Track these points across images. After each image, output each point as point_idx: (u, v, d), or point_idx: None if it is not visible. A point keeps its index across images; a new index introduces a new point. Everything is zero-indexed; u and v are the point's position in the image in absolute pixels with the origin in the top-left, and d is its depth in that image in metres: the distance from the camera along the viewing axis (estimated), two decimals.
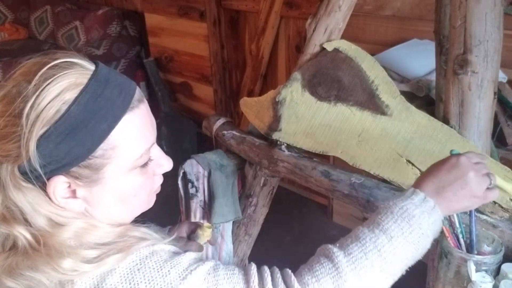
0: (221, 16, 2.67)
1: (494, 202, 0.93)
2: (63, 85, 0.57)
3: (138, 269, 0.60)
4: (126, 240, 0.63)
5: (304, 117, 1.14)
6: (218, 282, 0.63)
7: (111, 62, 3.10)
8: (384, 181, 1.05)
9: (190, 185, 1.30)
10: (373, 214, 0.73)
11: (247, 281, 0.65)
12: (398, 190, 1.01)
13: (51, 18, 3.48)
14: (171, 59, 3.09)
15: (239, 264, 1.38)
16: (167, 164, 0.70)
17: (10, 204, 0.59)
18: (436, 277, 0.88)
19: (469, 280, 0.79)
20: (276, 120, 1.17)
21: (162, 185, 0.73)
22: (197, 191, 1.31)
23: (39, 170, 0.57)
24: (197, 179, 1.31)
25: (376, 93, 1.09)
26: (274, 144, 1.21)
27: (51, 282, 0.58)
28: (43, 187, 0.60)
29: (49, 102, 0.56)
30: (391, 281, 0.69)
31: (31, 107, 0.56)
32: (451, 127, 1.01)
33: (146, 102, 0.65)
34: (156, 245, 0.64)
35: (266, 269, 0.68)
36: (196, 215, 1.29)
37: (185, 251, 0.67)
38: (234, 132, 1.33)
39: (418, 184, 0.74)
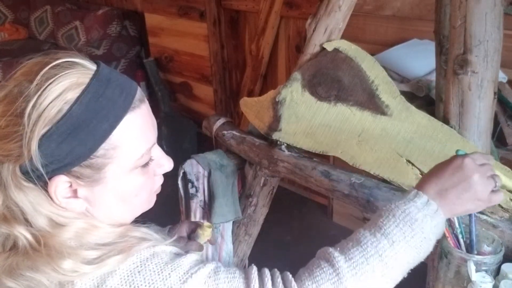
0: (221, 16, 2.67)
1: None
2: (65, 84, 0.57)
3: (139, 272, 0.60)
4: (126, 240, 0.63)
5: (304, 117, 1.14)
6: (219, 286, 0.63)
7: (111, 62, 3.10)
8: (384, 181, 1.05)
9: (190, 185, 1.30)
10: (374, 216, 0.72)
11: (247, 284, 0.65)
12: (398, 190, 1.01)
13: (51, 18, 3.48)
14: (171, 59, 3.09)
15: (239, 264, 1.38)
16: (167, 164, 0.70)
17: (11, 204, 0.59)
18: (436, 277, 0.88)
19: (469, 280, 0.79)
20: (276, 120, 1.17)
21: (162, 185, 0.73)
22: (197, 191, 1.31)
23: (41, 169, 0.57)
24: (197, 179, 1.31)
25: (376, 93, 1.09)
26: (274, 144, 1.21)
27: (51, 282, 0.58)
28: (45, 186, 0.60)
29: (51, 102, 0.56)
30: (392, 285, 0.69)
31: (33, 106, 0.56)
32: (451, 127, 1.01)
33: (147, 102, 0.65)
34: (157, 246, 0.64)
35: (266, 272, 0.68)
36: (196, 215, 1.29)
37: (186, 252, 0.67)
38: (234, 132, 1.33)
39: (421, 185, 0.72)
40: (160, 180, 0.72)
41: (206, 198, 1.32)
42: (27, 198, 0.59)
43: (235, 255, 1.35)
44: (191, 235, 1.02)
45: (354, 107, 1.10)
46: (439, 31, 1.16)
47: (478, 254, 0.82)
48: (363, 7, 1.91)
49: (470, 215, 0.81)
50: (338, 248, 0.69)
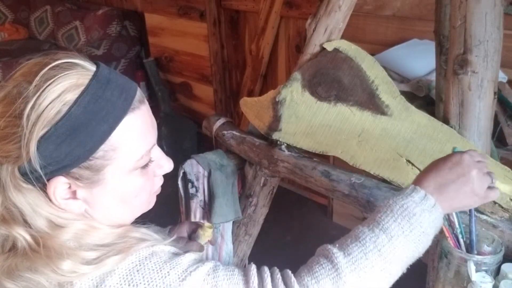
0: (221, 16, 2.67)
1: (494, 202, 0.93)
2: (64, 85, 0.57)
3: (138, 270, 0.60)
4: (126, 241, 0.63)
5: (304, 117, 1.14)
6: (218, 283, 0.63)
7: (111, 62, 3.10)
8: (384, 181, 1.05)
9: (190, 185, 1.30)
10: (373, 212, 0.72)
11: (246, 281, 0.65)
12: (398, 190, 1.01)
13: (51, 18, 3.48)
14: (171, 59, 3.09)
15: (239, 264, 1.38)
16: (167, 165, 0.70)
17: (9, 205, 0.59)
18: (436, 277, 0.88)
19: (469, 280, 0.79)
20: (276, 120, 1.17)
21: (162, 185, 0.73)
22: (197, 191, 1.31)
23: (40, 171, 0.57)
24: (197, 179, 1.31)
25: (376, 93, 1.09)
26: (274, 144, 1.21)
27: (50, 283, 0.58)
28: (43, 188, 0.59)
29: (50, 103, 0.56)
30: (392, 280, 0.69)
31: (32, 107, 0.55)
32: (451, 127, 1.01)
33: (147, 103, 0.65)
34: (156, 246, 0.64)
35: (266, 269, 0.68)
36: (196, 215, 1.29)
37: (186, 252, 0.67)
38: (234, 132, 1.33)
39: (419, 181, 0.73)
40: (160, 181, 0.72)
41: (206, 198, 1.32)
42: (26, 199, 0.59)
43: (235, 255, 1.35)
44: (192, 236, 1.02)
45: (354, 107, 1.10)
46: (439, 31, 1.16)
47: (478, 254, 0.82)
48: (363, 7, 1.91)
49: (470, 215, 0.81)
50: (337, 245, 0.69)
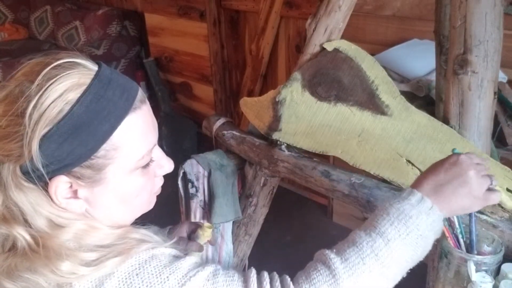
0: (221, 16, 2.67)
1: None
2: (66, 85, 0.57)
3: (137, 274, 0.60)
4: (126, 242, 0.63)
5: (304, 117, 1.14)
6: None
7: (111, 62, 3.10)
8: (384, 181, 1.05)
9: (190, 185, 1.30)
10: (370, 216, 0.72)
11: (246, 287, 0.65)
12: (398, 190, 1.01)
13: (51, 18, 3.48)
14: (171, 59, 3.09)
15: (239, 264, 1.38)
16: (168, 165, 0.70)
17: (10, 204, 0.59)
18: (436, 277, 0.88)
19: (469, 280, 0.79)
20: (276, 120, 1.17)
21: (162, 185, 0.73)
22: (197, 191, 1.31)
23: (41, 169, 0.57)
24: (197, 179, 1.31)
25: (376, 93, 1.09)
26: (274, 144, 1.21)
27: (49, 284, 0.58)
28: (45, 187, 0.60)
29: (52, 102, 0.56)
30: (391, 285, 0.69)
31: (34, 106, 0.56)
32: (451, 127, 1.01)
33: (148, 103, 0.65)
34: (156, 248, 0.64)
35: (265, 275, 0.68)
36: (196, 215, 1.29)
37: (186, 255, 0.67)
38: (234, 132, 1.33)
39: (416, 183, 0.73)
40: (160, 181, 0.72)
41: (206, 198, 1.32)
42: (27, 198, 0.59)
43: (235, 255, 1.35)
44: (191, 236, 1.02)
45: (354, 107, 1.10)
46: (439, 31, 1.16)
47: (478, 254, 0.82)
48: (363, 7, 1.91)
49: (470, 215, 0.81)
50: (335, 250, 0.69)
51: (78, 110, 0.57)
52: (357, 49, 1.14)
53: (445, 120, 1.03)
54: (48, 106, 0.56)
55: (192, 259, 0.66)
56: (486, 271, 0.80)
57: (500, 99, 1.25)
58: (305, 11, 2.19)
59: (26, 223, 0.59)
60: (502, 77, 1.38)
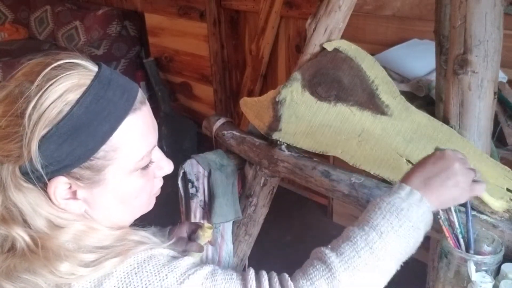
0: (221, 16, 2.67)
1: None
2: (66, 85, 0.57)
3: (136, 273, 0.60)
4: (124, 244, 0.63)
5: (304, 117, 1.14)
6: (216, 287, 0.63)
7: (111, 62, 3.10)
8: (384, 181, 1.05)
9: (190, 185, 1.30)
10: (362, 213, 0.73)
11: (245, 286, 0.65)
12: None
13: (51, 18, 3.48)
14: (171, 59, 3.09)
15: (239, 264, 1.38)
16: (167, 166, 0.70)
17: (9, 205, 0.59)
18: (436, 277, 0.88)
19: (469, 280, 0.79)
20: (276, 120, 1.17)
21: (162, 185, 0.73)
22: (197, 191, 1.31)
23: (41, 170, 0.57)
24: (197, 179, 1.31)
25: (376, 93, 1.09)
26: (274, 144, 1.21)
27: (48, 285, 0.58)
28: (44, 188, 0.59)
29: (51, 103, 0.56)
30: (386, 277, 0.70)
31: (34, 107, 0.56)
32: (451, 127, 1.01)
33: (148, 104, 0.65)
34: (155, 249, 0.64)
35: (264, 273, 0.68)
36: (196, 215, 1.29)
37: (184, 255, 0.67)
38: (234, 132, 1.33)
39: (405, 178, 0.75)
40: (160, 182, 0.72)
41: (206, 198, 1.32)
42: (26, 199, 0.58)
43: (235, 255, 1.35)
44: (192, 236, 1.02)
45: (354, 107, 1.10)
46: (439, 31, 1.16)
47: (478, 254, 0.82)
48: (363, 7, 1.91)
49: (466, 214, 0.82)
50: (330, 246, 0.70)
51: (78, 111, 0.57)
52: (357, 49, 1.14)
53: (445, 120, 1.03)
54: (48, 106, 0.56)
55: (190, 259, 0.66)
56: (486, 271, 0.80)
57: (500, 99, 1.25)
58: (305, 11, 2.19)
59: (25, 223, 0.59)
60: (502, 77, 1.38)
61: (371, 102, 1.09)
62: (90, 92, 0.58)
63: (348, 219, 2.27)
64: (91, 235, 0.62)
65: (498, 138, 1.25)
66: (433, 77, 1.24)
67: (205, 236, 1.02)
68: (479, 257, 0.80)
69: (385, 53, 1.59)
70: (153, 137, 0.66)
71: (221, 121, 1.39)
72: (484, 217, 0.93)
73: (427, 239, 0.73)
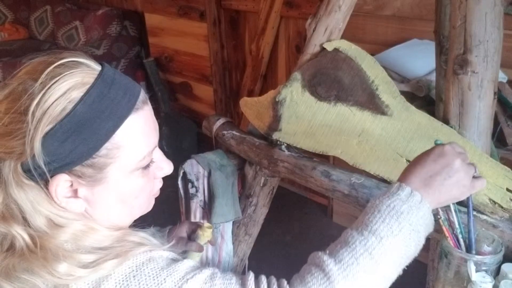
0: (221, 16, 2.67)
1: (494, 202, 0.93)
2: (70, 83, 0.57)
3: (134, 276, 0.60)
4: (123, 245, 0.63)
5: (304, 117, 1.14)
6: None
7: (111, 62, 3.10)
8: (384, 181, 1.05)
9: (190, 185, 1.30)
10: (361, 214, 0.71)
11: None
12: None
13: (51, 18, 3.48)
14: (171, 59, 3.09)
15: (239, 264, 1.38)
16: (167, 167, 0.70)
17: (10, 203, 0.59)
18: (436, 277, 0.88)
19: (469, 280, 0.79)
20: (276, 120, 1.17)
21: (162, 185, 0.73)
22: (197, 191, 1.31)
23: (43, 167, 0.57)
24: (197, 179, 1.31)
25: (376, 93, 1.09)
26: (274, 144, 1.21)
27: (46, 286, 0.58)
28: (45, 185, 0.60)
29: (55, 100, 0.56)
30: (387, 283, 0.68)
31: (37, 104, 0.56)
32: (451, 127, 1.01)
33: (149, 104, 0.66)
34: (154, 251, 0.63)
35: (263, 278, 0.68)
36: (196, 215, 1.29)
37: (184, 258, 0.67)
38: (234, 132, 1.33)
39: (404, 176, 0.72)
40: (160, 183, 0.72)
41: (206, 198, 1.32)
42: (27, 196, 0.59)
43: (235, 255, 1.35)
44: (192, 236, 1.02)
45: (354, 107, 1.10)
46: (439, 31, 1.16)
47: (478, 254, 0.82)
48: (363, 7, 1.91)
49: (468, 214, 0.82)
50: (328, 251, 0.68)
51: (81, 108, 0.57)
52: (357, 49, 1.14)
53: (445, 120, 1.03)
54: (52, 104, 0.56)
55: (190, 262, 0.65)
56: (486, 271, 0.80)
57: (500, 99, 1.25)
58: (305, 11, 2.19)
59: (25, 221, 0.59)
60: (502, 77, 1.38)
61: (371, 102, 1.09)
62: (93, 90, 0.58)
63: (348, 219, 2.27)
64: (90, 235, 0.62)
65: (498, 138, 1.25)
66: (433, 77, 1.24)
67: (204, 236, 1.02)
68: (479, 257, 0.80)
69: (385, 53, 1.59)
70: (154, 137, 0.66)
71: (221, 121, 1.39)
72: (484, 217, 0.93)
73: (427, 239, 0.72)
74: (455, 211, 0.83)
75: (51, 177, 0.59)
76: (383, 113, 1.08)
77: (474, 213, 0.91)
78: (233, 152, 1.35)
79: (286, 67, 2.47)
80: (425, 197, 0.69)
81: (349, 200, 1.06)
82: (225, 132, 1.35)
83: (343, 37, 1.18)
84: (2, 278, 0.58)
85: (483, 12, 0.92)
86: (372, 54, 1.18)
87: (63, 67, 0.58)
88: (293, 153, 1.18)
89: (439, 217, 0.83)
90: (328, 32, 1.16)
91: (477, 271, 0.79)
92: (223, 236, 1.29)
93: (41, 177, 0.58)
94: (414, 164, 0.73)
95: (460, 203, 0.91)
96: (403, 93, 1.11)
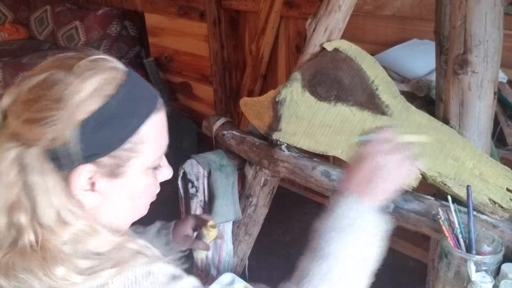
0: (221, 16, 2.67)
1: (494, 202, 0.93)
2: (104, 77, 0.60)
3: None
4: (122, 253, 0.62)
5: (304, 117, 1.14)
6: None
7: None
8: None
9: (190, 185, 1.31)
10: (313, 239, 0.75)
11: None
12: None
13: (51, 18, 3.48)
14: (171, 59, 3.09)
15: (239, 264, 1.38)
16: (168, 172, 0.72)
17: (24, 193, 0.58)
18: (436, 277, 0.88)
19: (469, 280, 0.79)
20: (276, 120, 1.17)
21: (162, 185, 0.73)
22: (197, 191, 1.31)
23: (73, 155, 0.58)
24: (197, 179, 1.31)
25: (376, 93, 1.09)
26: (274, 144, 1.21)
27: None
28: (66, 176, 0.60)
29: (91, 91, 0.58)
30: (363, 283, 0.71)
31: (73, 93, 0.58)
32: (451, 127, 1.01)
33: (164, 108, 0.69)
34: (154, 264, 0.62)
35: None
36: None
37: (185, 274, 0.66)
38: (234, 132, 1.33)
39: (342, 192, 0.76)
40: (158, 188, 0.73)
41: (206, 198, 1.32)
42: (46, 185, 0.59)
43: (235, 255, 1.35)
44: (198, 230, 1.03)
45: (354, 107, 1.10)
46: (439, 31, 1.16)
47: (478, 254, 0.82)
48: (363, 7, 1.91)
49: (468, 215, 0.82)
50: (296, 282, 0.72)
51: (114, 102, 0.59)
52: (357, 49, 1.14)
53: (445, 120, 1.03)
54: (88, 94, 0.58)
55: (191, 281, 0.65)
56: (486, 271, 0.80)
57: (500, 99, 1.25)
58: (305, 11, 2.19)
59: (34, 215, 0.59)
60: (502, 77, 1.38)
61: (371, 102, 1.09)
62: (124, 86, 0.61)
63: None
64: (92, 237, 0.61)
65: (498, 138, 1.25)
66: (433, 77, 1.24)
67: (209, 235, 1.02)
68: (479, 257, 0.80)
69: (385, 53, 1.59)
70: (166, 140, 0.69)
71: (221, 121, 1.39)
72: (484, 217, 0.93)
73: (427, 239, 0.73)
74: (455, 211, 0.83)
75: (77, 166, 0.59)
76: (383, 113, 1.08)
77: (474, 213, 0.91)
78: (233, 152, 1.35)
79: (286, 67, 2.47)
80: (369, 203, 0.72)
81: None
82: (225, 132, 1.35)
83: (343, 37, 1.18)
84: (0, 275, 0.57)
85: (483, 12, 0.92)
86: (372, 54, 1.18)
87: (96, 62, 0.61)
88: (293, 153, 1.18)
89: (439, 217, 0.83)
90: (328, 32, 1.16)
91: (477, 271, 0.79)
92: (223, 236, 1.29)
93: (66, 166, 0.59)
94: (346, 176, 0.78)
95: (460, 203, 0.91)
96: (403, 93, 1.11)
